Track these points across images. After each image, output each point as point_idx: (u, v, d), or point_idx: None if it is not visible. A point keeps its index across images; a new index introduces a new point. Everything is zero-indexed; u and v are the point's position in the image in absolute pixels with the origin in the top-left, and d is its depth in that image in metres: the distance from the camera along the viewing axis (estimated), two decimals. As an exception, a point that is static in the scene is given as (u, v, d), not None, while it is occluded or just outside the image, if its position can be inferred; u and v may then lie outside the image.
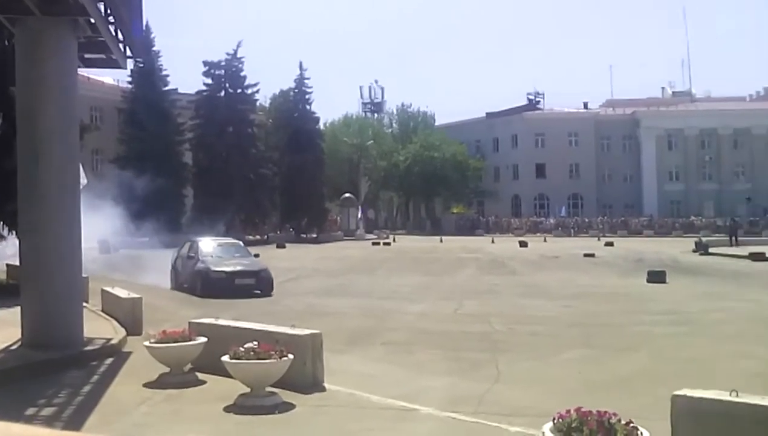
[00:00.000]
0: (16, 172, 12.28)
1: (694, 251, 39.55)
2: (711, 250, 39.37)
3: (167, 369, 9.97)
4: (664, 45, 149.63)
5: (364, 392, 9.13)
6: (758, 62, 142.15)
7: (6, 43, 19.08)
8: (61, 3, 11.76)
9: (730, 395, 5.24)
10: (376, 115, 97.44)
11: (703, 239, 43.07)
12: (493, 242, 53.28)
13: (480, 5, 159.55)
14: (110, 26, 12.39)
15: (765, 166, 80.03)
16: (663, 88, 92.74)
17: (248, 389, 8.73)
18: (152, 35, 55.26)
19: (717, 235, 50.18)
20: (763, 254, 33.30)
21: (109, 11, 12.06)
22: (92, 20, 11.96)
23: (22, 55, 12.29)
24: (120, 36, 12.95)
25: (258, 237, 55.69)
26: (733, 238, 45.44)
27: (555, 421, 4.99)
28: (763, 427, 5.02)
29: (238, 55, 60.12)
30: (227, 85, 60.24)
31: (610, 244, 48.29)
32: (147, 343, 10.23)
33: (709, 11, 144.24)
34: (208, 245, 23.65)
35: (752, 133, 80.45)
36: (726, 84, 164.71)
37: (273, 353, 8.71)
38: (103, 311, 16.17)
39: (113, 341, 12.76)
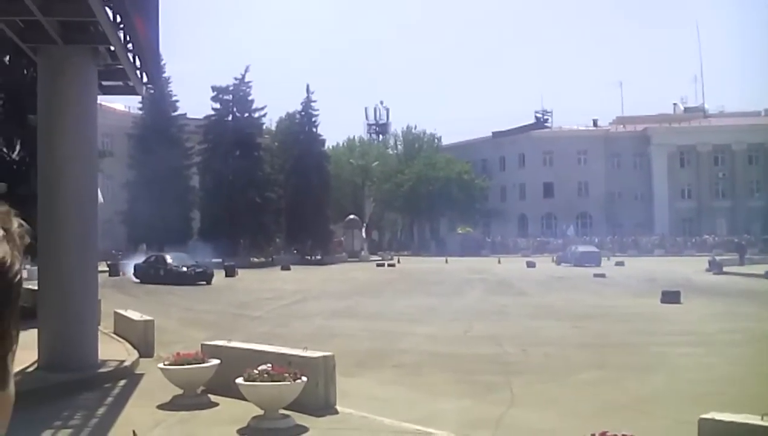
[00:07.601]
0: (32, 197, 12.43)
1: (708, 271, 39.26)
2: (725, 269, 39.01)
3: (180, 391, 10.02)
4: (676, 60, 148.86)
5: (377, 415, 9.07)
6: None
7: (25, 72, 19.44)
8: (83, 31, 11.93)
9: (762, 419, 5.07)
10: (381, 136, 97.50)
11: (717, 258, 42.65)
12: (499, 262, 53.08)
13: (486, 23, 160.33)
14: (128, 54, 12.53)
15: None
16: (675, 104, 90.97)
17: (261, 412, 8.74)
18: (162, 61, 55.54)
19: (730, 254, 49.42)
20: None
21: (128, 38, 12.19)
22: (112, 48, 12.13)
23: (44, 83, 12.47)
24: (137, 63, 13.09)
25: (263, 259, 55.80)
26: (742, 257, 45.38)
27: (580, 446, 4.89)
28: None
29: (246, 80, 60.57)
30: (235, 109, 60.64)
31: (621, 263, 48.14)
32: (161, 365, 10.28)
33: (722, 26, 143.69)
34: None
35: (767, 148, 78.82)
36: (740, 99, 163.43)
37: (287, 375, 8.71)
38: (115, 333, 16.22)
39: (126, 363, 12.83)
